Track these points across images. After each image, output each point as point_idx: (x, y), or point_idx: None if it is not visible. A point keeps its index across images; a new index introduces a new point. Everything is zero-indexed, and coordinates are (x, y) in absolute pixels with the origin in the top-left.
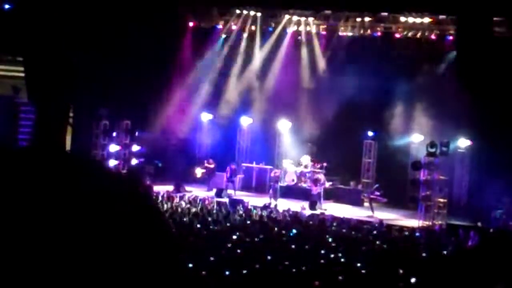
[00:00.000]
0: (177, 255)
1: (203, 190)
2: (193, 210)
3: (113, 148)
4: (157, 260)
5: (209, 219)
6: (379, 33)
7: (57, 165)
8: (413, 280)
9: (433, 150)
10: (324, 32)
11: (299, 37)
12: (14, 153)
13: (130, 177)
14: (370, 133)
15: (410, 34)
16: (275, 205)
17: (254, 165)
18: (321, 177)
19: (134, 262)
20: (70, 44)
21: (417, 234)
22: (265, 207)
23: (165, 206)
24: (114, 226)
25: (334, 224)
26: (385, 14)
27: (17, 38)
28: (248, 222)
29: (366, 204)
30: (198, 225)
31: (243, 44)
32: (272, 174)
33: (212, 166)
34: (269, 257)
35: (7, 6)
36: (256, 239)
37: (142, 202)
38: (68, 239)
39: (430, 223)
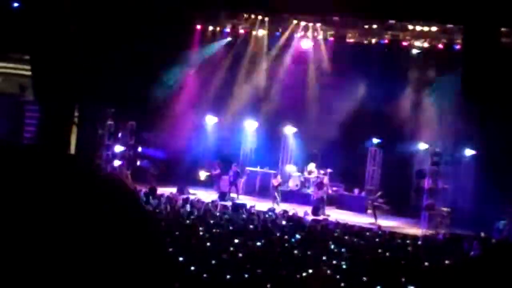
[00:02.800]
0: (159, 252)
1: (207, 192)
2: (196, 212)
3: (118, 148)
4: (139, 253)
5: (212, 222)
6: (386, 41)
7: (49, 165)
8: None
9: (437, 159)
10: (331, 38)
11: (307, 43)
12: (6, 149)
13: (114, 178)
14: (375, 141)
15: (417, 42)
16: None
17: (258, 169)
18: (325, 181)
19: (118, 257)
20: (77, 44)
21: (420, 242)
22: (268, 211)
23: (168, 208)
24: (96, 223)
25: (337, 230)
26: (393, 21)
27: (24, 36)
28: (251, 226)
29: (370, 211)
30: (201, 228)
31: (250, 48)
32: (275, 183)
33: (217, 172)
34: (271, 262)
35: (15, 5)
36: (258, 243)
37: (125, 203)
38: (54, 234)
39: (433, 232)
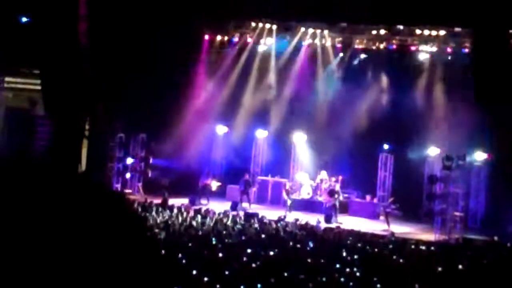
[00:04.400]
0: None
1: (218, 203)
2: (208, 223)
3: (129, 160)
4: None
5: (224, 232)
6: (394, 46)
7: (58, 182)
8: None
9: (449, 163)
10: (339, 45)
11: (315, 50)
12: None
13: (114, 192)
14: (386, 146)
15: (425, 47)
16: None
17: (269, 178)
18: (337, 188)
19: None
20: (86, 57)
21: (433, 248)
22: (280, 219)
23: (180, 219)
24: (99, 235)
25: (350, 238)
26: (401, 26)
27: (34, 51)
28: (263, 235)
29: (382, 217)
30: (213, 238)
31: (259, 56)
32: (287, 187)
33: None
34: (284, 271)
35: (24, 19)
36: (271, 253)
37: (124, 215)
38: (60, 247)
39: (446, 237)
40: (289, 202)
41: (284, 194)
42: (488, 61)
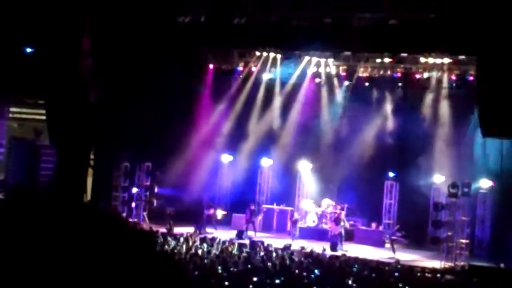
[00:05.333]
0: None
1: (224, 231)
2: (214, 251)
3: (135, 190)
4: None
5: (230, 260)
6: (399, 74)
7: (65, 214)
8: None
9: (454, 190)
10: (344, 73)
11: (319, 79)
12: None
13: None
14: (391, 174)
15: (430, 74)
16: (300, 247)
17: (274, 206)
18: (342, 216)
19: None
20: (91, 88)
21: (439, 275)
22: (286, 248)
23: (185, 247)
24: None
25: (356, 265)
26: (405, 54)
27: (39, 81)
28: (269, 263)
29: (388, 245)
30: (219, 267)
31: (264, 85)
32: (293, 219)
33: (211, 212)
34: None
35: (28, 50)
36: (277, 281)
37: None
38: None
39: (453, 264)
40: (295, 232)
41: (292, 226)
42: (493, 90)
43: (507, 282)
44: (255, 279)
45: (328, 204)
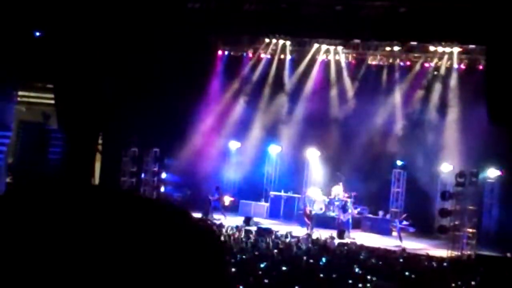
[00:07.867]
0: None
1: (231, 217)
2: (221, 238)
3: (142, 175)
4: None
5: (237, 247)
6: (408, 63)
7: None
8: None
9: (462, 180)
10: (353, 61)
11: (328, 66)
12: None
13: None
14: (399, 163)
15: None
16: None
17: (282, 193)
18: (349, 204)
19: None
20: (100, 72)
21: (446, 264)
22: (289, 235)
23: None
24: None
25: (363, 253)
26: (414, 43)
27: (47, 65)
28: (276, 250)
29: (395, 233)
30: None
31: (272, 72)
32: (307, 211)
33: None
34: (297, 286)
35: (37, 34)
36: (284, 268)
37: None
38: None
39: (459, 253)
40: (311, 223)
41: (305, 218)
42: (502, 79)
43: None
44: (262, 266)
45: (338, 192)
